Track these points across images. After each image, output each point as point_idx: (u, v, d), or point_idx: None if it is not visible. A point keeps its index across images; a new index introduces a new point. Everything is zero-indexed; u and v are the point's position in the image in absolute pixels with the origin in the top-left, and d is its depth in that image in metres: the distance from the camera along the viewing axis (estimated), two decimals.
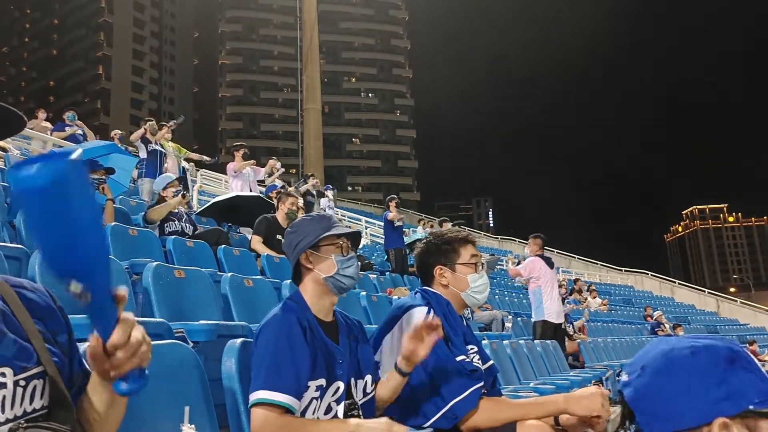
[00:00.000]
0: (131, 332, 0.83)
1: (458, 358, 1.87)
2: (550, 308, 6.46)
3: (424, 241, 2.16)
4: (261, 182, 10.21)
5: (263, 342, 1.59)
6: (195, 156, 9.17)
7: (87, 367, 0.98)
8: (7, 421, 0.81)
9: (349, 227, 1.93)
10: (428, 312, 1.95)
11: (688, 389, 0.76)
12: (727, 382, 0.75)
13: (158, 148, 7.68)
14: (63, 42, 75.27)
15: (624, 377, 0.82)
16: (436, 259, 2.07)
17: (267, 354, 1.56)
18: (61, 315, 0.99)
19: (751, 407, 0.73)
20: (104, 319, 0.82)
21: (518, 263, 6.62)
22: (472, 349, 2.02)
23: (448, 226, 10.45)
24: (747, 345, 13.61)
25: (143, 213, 4.84)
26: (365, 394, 1.76)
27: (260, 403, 1.51)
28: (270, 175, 9.86)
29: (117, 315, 0.83)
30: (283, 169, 10.32)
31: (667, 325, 13.73)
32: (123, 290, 0.83)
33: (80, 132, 9.57)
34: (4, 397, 0.82)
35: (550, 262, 6.75)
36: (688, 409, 0.75)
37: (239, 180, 8.38)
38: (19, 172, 0.75)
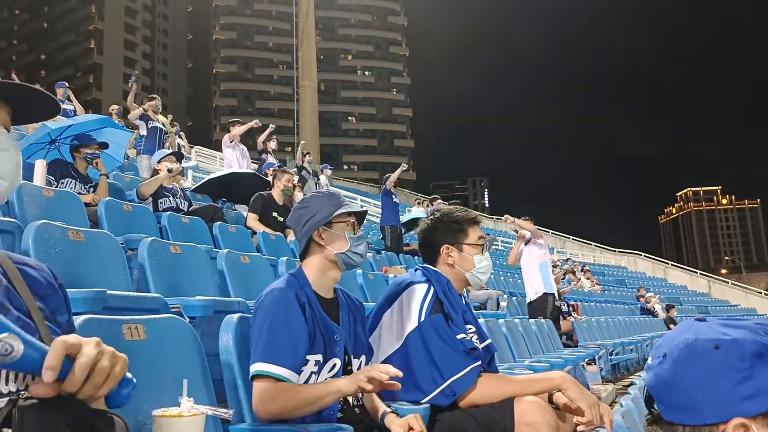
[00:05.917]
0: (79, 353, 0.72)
1: (458, 337, 1.88)
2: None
3: (431, 218, 2.13)
4: (255, 160, 9.99)
5: (261, 315, 1.59)
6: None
7: None
8: (10, 393, 0.81)
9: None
10: (428, 289, 1.94)
11: (708, 385, 0.71)
12: (753, 378, 0.69)
13: (158, 125, 7.57)
14: (53, 14, 73.82)
15: (648, 361, 0.79)
16: (443, 237, 2.06)
17: (265, 327, 1.56)
18: (62, 294, 0.98)
19: None
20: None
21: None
22: (470, 328, 2.02)
23: (438, 203, 10.43)
24: None
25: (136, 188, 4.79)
26: None
27: (259, 376, 1.52)
28: (263, 151, 9.48)
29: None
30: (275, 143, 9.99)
31: (657, 306, 13.83)
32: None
33: (72, 108, 9.41)
34: (8, 371, 0.82)
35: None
36: (706, 405, 0.71)
37: (236, 151, 8.24)
38: None
